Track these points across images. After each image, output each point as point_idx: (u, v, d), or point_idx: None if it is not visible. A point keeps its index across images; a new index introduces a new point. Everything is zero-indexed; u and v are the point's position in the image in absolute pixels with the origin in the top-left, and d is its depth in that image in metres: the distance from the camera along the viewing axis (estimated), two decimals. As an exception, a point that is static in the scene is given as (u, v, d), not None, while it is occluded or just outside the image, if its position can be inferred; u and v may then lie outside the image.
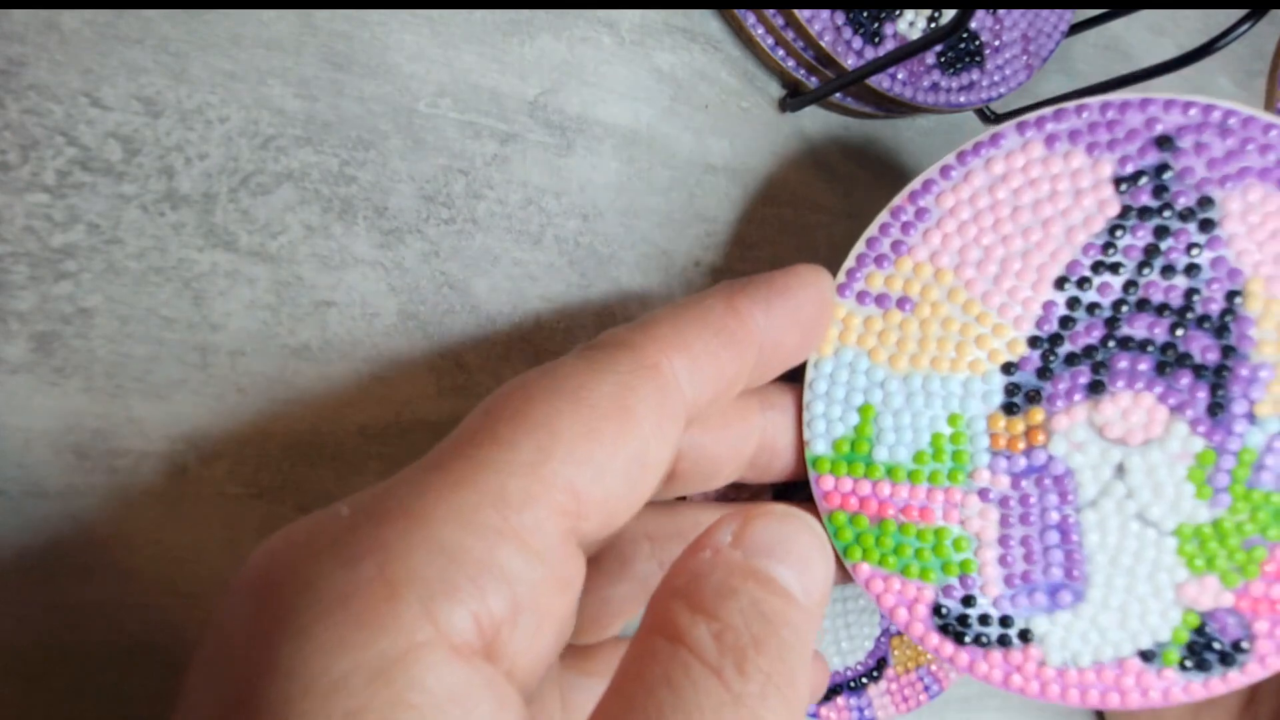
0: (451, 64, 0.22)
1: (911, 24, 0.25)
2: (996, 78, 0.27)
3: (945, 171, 0.18)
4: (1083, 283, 0.18)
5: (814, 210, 0.27)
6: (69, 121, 0.18)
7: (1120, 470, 0.18)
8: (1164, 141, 0.18)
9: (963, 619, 0.19)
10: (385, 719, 0.10)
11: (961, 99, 0.26)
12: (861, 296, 0.18)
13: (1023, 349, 0.18)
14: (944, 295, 0.18)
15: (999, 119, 0.29)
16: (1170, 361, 0.18)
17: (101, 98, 0.19)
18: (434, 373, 0.21)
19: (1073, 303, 0.18)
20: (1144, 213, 0.18)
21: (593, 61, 0.24)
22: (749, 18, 0.24)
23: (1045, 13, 0.27)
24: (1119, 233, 0.18)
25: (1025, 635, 0.18)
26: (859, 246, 0.18)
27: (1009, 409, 0.18)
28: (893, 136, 0.28)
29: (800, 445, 0.18)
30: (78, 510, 0.18)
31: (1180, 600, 0.18)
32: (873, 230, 0.18)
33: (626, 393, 0.13)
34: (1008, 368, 0.18)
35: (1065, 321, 0.18)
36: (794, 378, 0.19)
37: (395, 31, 0.21)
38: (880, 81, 0.24)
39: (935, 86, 0.26)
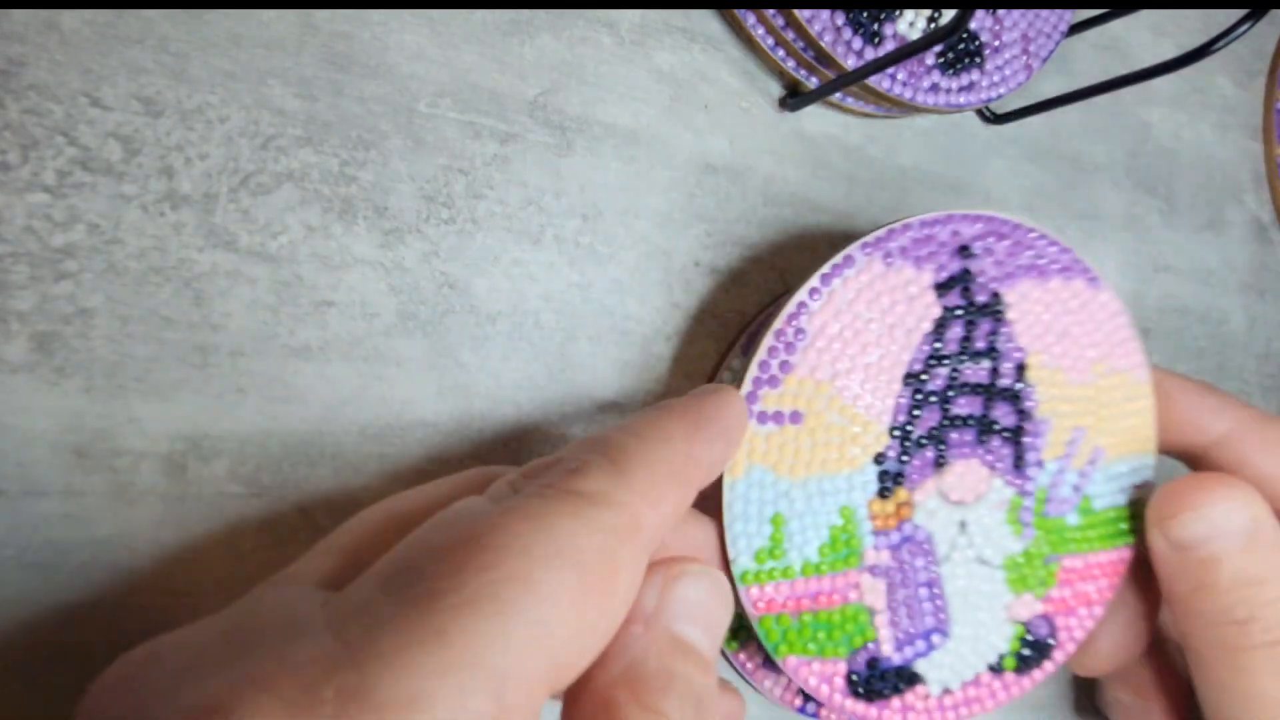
0: (451, 64, 0.22)
1: (911, 24, 0.25)
2: (996, 78, 0.27)
3: (813, 294, 0.21)
4: (922, 375, 0.21)
5: (814, 210, 0.27)
6: (69, 121, 0.18)
7: (962, 526, 0.22)
8: (964, 250, 0.21)
9: (869, 680, 0.22)
10: None
11: (961, 99, 0.26)
12: (761, 417, 0.20)
13: (886, 440, 0.21)
14: (825, 404, 0.21)
15: (999, 120, 0.29)
16: (985, 429, 0.22)
17: (102, 98, 0.19)
18: (434, 373, 0.21)
19: (916, 394, 0.21)
20: (956, 311, 0.21)
21: (593, 61, 0.24)
22: (749, 18, 0.24)
23: (1045, 13, 0.27)
24: (942, 330, 0.21)
25: (912, 679, 0.22)
26: (753, 370, 0.20)
27: (882, 493, 0.21)
28: (893, 136, 0.28)
29: (721, 558, 0.20)
30: (78, 510, 0.18)
31: (1010, 617, 0.22)
32: (763, 354, 0.20)
33: (614, 556, 0.14)
34: (878, 458, 0.21)
35: (913, 411, 0.21)
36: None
37: (395, 31, 0.21)
38: (880, 81, 0.24)
39: (935, 87, 0.26)
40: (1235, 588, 0.20)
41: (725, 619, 0.16)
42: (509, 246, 0.22)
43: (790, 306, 0.21)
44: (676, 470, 0.16)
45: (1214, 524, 0.20)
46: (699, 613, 0.15)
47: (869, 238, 0.21)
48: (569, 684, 0.13)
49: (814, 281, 0.21)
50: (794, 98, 0.26)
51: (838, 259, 0.21)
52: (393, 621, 0.11)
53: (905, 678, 0.23)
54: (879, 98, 0.25)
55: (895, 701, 0.22)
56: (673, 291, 0.24)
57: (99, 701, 0.12)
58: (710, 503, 0.20)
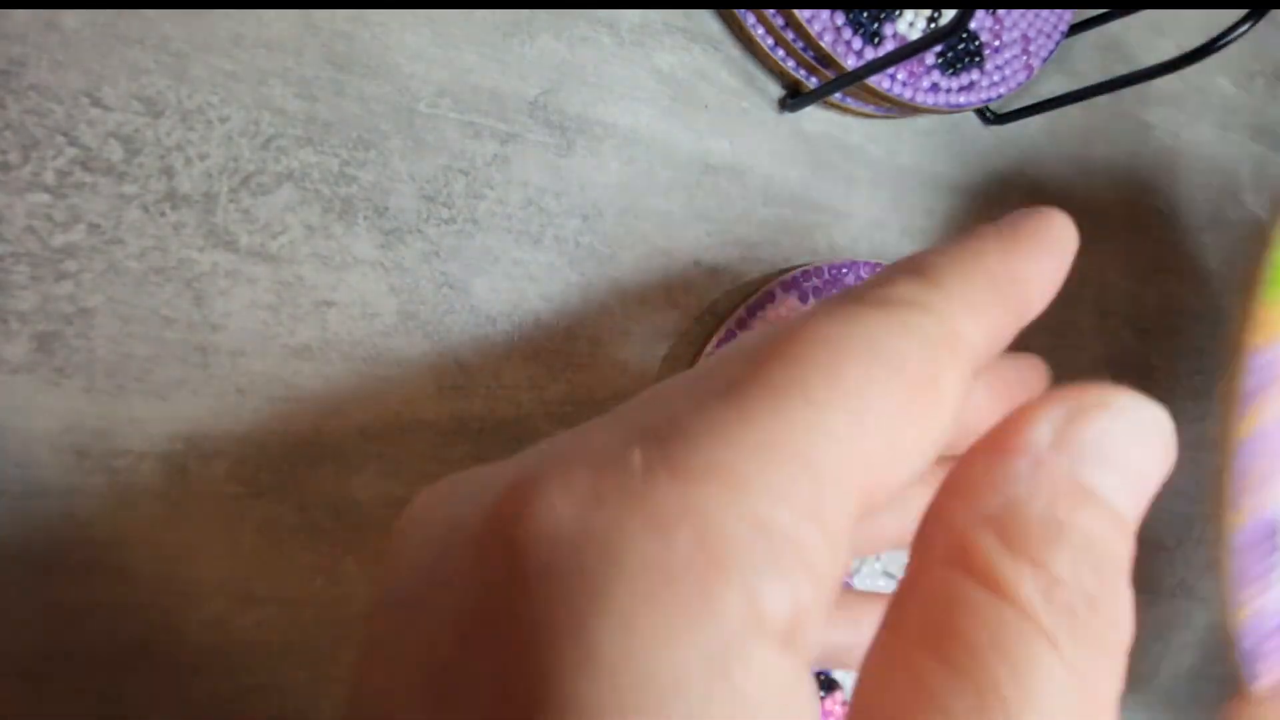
0: (451, 64, 0.22)
1: (911, 24, 0.25)
2: (996, 78, 0.27)
3: (741, 323, 0.22)
4: None
5: (814, 210, 0.27)
6: (70, 121, 0.18)
7: None
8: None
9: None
10: (726, 718, 0.09)
11: (961, 99, 0.26)
12: None
13: None
14: None
15: (999, 120, 0.29)
16: None
17: (102, 98, 0.19)
18: (434, 373, 0.21)
19: None
20: None
21: (593, 61, 0.24)
22: (749, 18, 0.24)
23: (1045, 13, 0.27)
24: None
25: (830, 684, 0.24)
26: None
27: None
28: (893, 136, 0.28)
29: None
30: (78, 510, 0.18)
31: None
32: None
33: (938, 366, 0.11)
34: None
35: None
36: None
37: (395, 31, 0.21)
38: (880, 81, 0.24)
39: (935, 86, 0.26)
40: None
41: (1157, 472, 0.12)
42: (509, 246, 0.22)
43: (720, 332, 0.22)
44: (996, 282, 0.13)
45: None
46: (1119, 458, 0.11)
47: (786, 276, 0.23)
48: (878, 505, 0.11)
49: (740, 312, 0.22)
50: (794, 98, 0.26)
51: (760, 294, 0.23)
52: (691, 403, 0.10)
53: (824, 684, 0.24)
54: (879, 98, 0.25)
55: (826, 701, 0.24)
56: (673, 291, 0.24)
57: (424, 504, 0.11)
58: None
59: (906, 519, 0.14)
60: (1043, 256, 0.14)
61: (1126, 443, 0.11)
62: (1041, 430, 0.11)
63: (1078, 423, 0.11)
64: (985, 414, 0.15)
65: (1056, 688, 0.10)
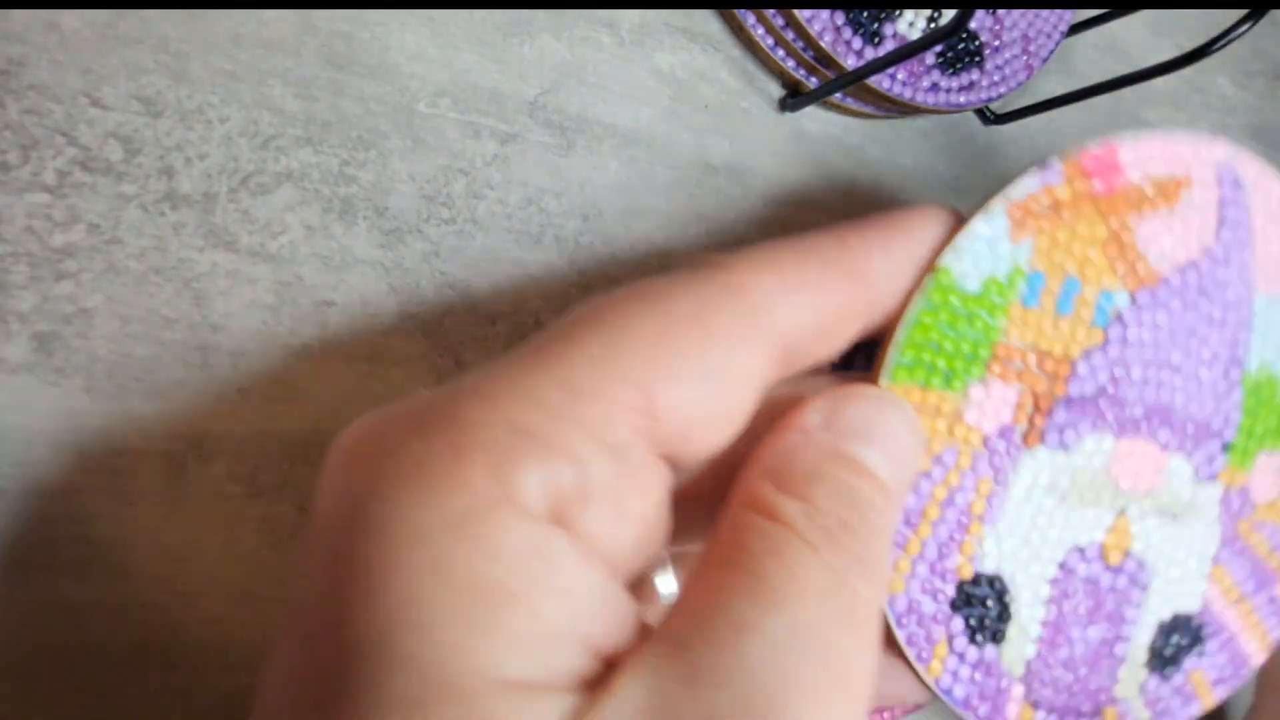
0: (451, 64, 0.22)
1: (911, 24, 0.25)
2: (996, 78, 0.27)
3: None
4: None
5: (814, 210, 0.27)
6: (69, 121, 0.18)
7: None
8: None
9: None
10: (469, 566, 0.10)
11: (961, 99, 0.26)
12: None
13: None
14: None
15: (999, 120, 0.29)
16: None
17: (102, 98, 0.19)
18: (434, 373, 0.21)
19: None
20: None
21: (593, 61, 0.24)
22: (749, 18, 0.24)
23: (1045, 13, 0.27)
24: None
25: None
26: None
27: None
28: (893, 136, 0.28)
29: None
30: (77, 510, 0.18)
31: None
32: None
33: (707, 308, 0.13)
34: None
35: None
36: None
37: (395, 31, 0.21)
38: (880, 81, 0.24)
39: (935, 87, 0.26)
40: None
41: (912, 449, 0.14)
42: (509, 246, 0.22)
43: None
44: (812, 250, 0.14)
45: None
46: (876, 434, 0.14)
47: None
48: (688, 449, 0.13)
49: None
50: (794, 98, 0.26)
51: None
52: (496, 362, 0.13)
53: None
54: (879, 98, 0.25)
55: None
56: (673, 291, 0.24)
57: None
58: None
59: None
60: (895, 236, 0.15)
61: (879, 424, 0.14)
62: (813, 416, 0.14)
63: (840, 406, 0.14)
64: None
65: (814, 575, 0.12)
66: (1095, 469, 0.17)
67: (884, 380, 0.16)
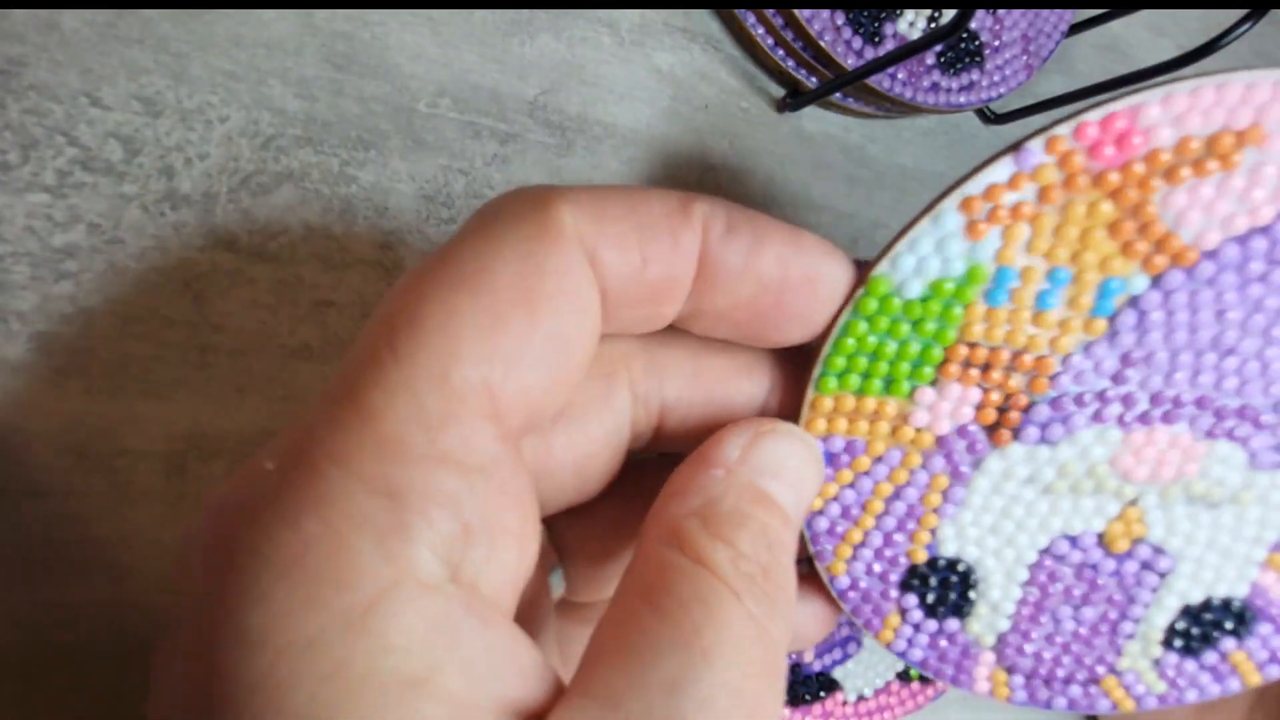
0: (451, 64, 0.22)
1: (911, 24, 0.25)
2: (996, 78, 0.27)
3: None
4: None
5: (814, 210, 0.27)
6: (69, 121, 0.18)
7: None
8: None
9: (793, 686, 0.24)
10: (371, 668, 0.10)
11: (961, 99, 0.26)
12: None
13: None
14: None
15: (999, 120, 0.29)
16: None
17: (102, 98, 0.19)
18: (434, 373, 0.21)
19: None
20: None
21: (593, 61, 0.24)
22: (749, 18, 0.24)
23: (1045, 13, 0.27)
24: None
25: (830, 684, 0.24)
26: None
27: None
28: (893, 136, 0.28)
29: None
30: (77, 510, 0.18)
31: None
32: None
33: (530, 269, 0.12)
34: None
35: None
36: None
37: (395, 31, 0.21)
38: (880, 81, 0.24)
39: (935, 86, 0.26)
40: None
41: (813, 485, 0.16)
42: (509, 246, 0.22)
43: None
44: (643, 206, 0.13)
45: None
46: (786, 472, 0.15)
47: None
48: (535, 423, 0.12)
49: None
50: (794, 98, 0.26)
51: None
52: (322, 405, 0.12)
53: (824, 684, 0.24)
54: (879, 98, 0.25)
55: (816, 707, 0.24)
56: (673, 291, 0.24)
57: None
58: None
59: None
60: (770, 237, 0.15)
61: (788, 459, 0.15)
62: (732, 448, 0.14)
63: (755, 444, 0.15)
64: (694, 409, 0.17)
65: (740, 628, 0.12)
66: (1092, 461, 0.17)
67: (810, 392, 0.16)
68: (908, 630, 0.19)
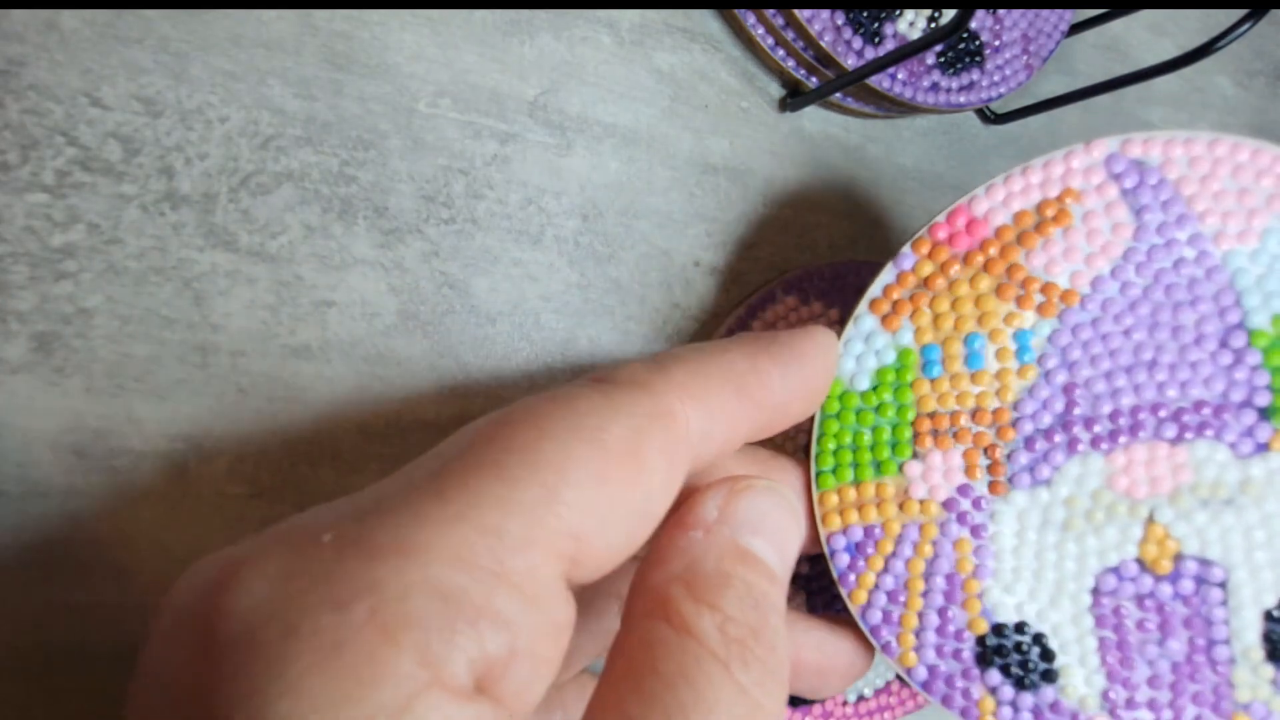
0: (451, 64, 0.22)
1: (911, 24, 0.25)
2: (996, 78, 0.27)
3: (741, 323, 0.23)
4: None
5: (814, 210, 0.27)
6: (69, 121, 0.18)
7: None
8: (860, 290, 0.22)
9: None
10: None
11: (961, 99, 0.26)
12: None
13: None
14: None
15: (999, 120, 0.29)
16: None
17: (101, 98, 0.19)
18: (434, 373, 0.21)
19: None
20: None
21: (593, 61, 0.24)
22: (749, 18, 0.24)
23: (1045, 13, 0.27)
24: None
25: None
26: None
27: None
28: (893, 136, 0.28)
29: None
30: (78, 510, 0.18)
31: None
32: None
33: (640, 438, 0.13)
34: None
35: None
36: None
37: (395, 31, 0.21)
38: (880, 81, 0.24)
39: (935, 86, 0.26)
40: None
41: (795, 538, 0.16)
42: (509, 246, 0.22)
43: (720, 332, 0.23)
44: (729, 376, 0.15)
45: None
46: (765, 526, 0.15)
47: (786, 276, 0.24)
48: (592, 580, 0.13)
49: (740, 312, 0.23)
50: (794, 98, 0.26)
51: (760, 295, 0.24)
52: (399, 488, 0.11)
53: None
54: (879, 98, 0.25)
55: (817, 707, 0.24)
56: (673, 291, 0.24)
57: (177, 586, 0.12)
58: None
59: None
60: (791, 364, 0.16)
61: (767, 515, 0.15)
62: (709, 508, 0.14)
63: (733, 501, 0.15)
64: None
65: (731, 705, 0.12)
66: (1091, 489, 0.18)
67: (814, 491, 0.18)
68: (1007, 711, 0.18)
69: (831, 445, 0.18)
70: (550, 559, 0.11)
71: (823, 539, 0.18)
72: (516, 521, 0.11)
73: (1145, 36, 0.33)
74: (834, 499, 0.18)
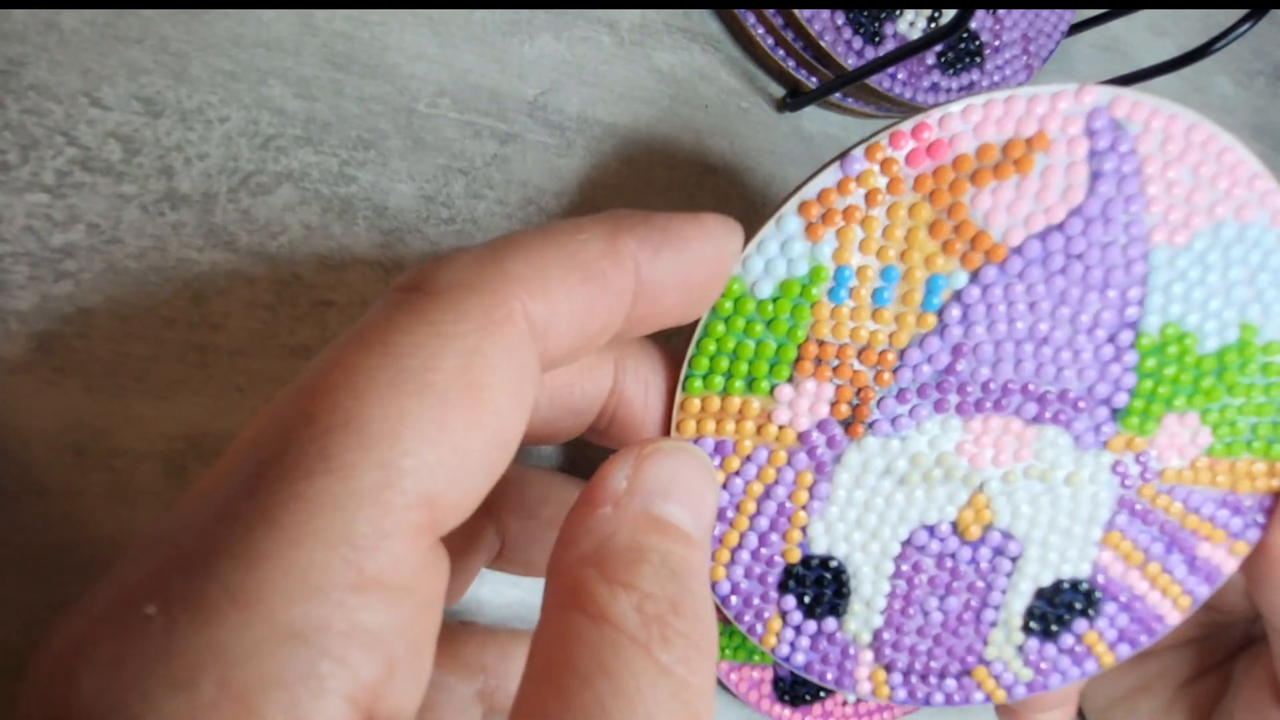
0: (451, 64, 0.22)
1: (911, 24, 0.25)
2: (996, 78, 0.27)
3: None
4: None
5: (814, 210, 0.27)
6: (69, 121, 0.18)
7: None
8: None
9: (793, 687, 0.24)
10: None
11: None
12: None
13: None
14: None
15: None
16: None
17: (101, 98, 0.19)
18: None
19: None
20: None
21: (593, 61, 0.24)
22: (749, 18, 0.24)
23: (1045, 13, 0.27)
24: None
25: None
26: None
27: None
28: (893, 136, 0.28)
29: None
30: (77, 510, 0.18)
31: None
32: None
33: (476, 362, 0.11)
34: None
35: None
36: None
37: (395, 31, 0.21)
38: (880, 81, 0.24)
39: (935, 86, 0.26)
40: None
41: (710, 497, 0.14)
42: (509, 246, 0.22)
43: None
44: (580, 258, 0.12)
45: None
46: (678, 489, 0.14)
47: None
48: (459, 516, 0.11)
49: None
50: (794, 98, 0.26)
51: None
52: (216, 512, 0.10)
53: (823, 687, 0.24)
54: (879, 98, 0.25)
55: (816, 707, 0.25)
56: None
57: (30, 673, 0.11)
58: None
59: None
60: (665, 245, 0.14)
61: (677, 476, 0.14)
62: (617, 479, 0.13)
63: (641, 468, 0.14)
64: (640, 401, 0.17)
65: (654, 690, 0.11)
66: (940, 451, 0.18)
67: (679, 393, 0.17)
68: (789, 633, 0.19)
69: (711, 348, 0.17)
70: (409, 538, 0.10)
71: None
72: (363, 517, 0.10)
73: (1145, 36, 0.33)
74: (696, 404, 0.17)
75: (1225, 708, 0.24)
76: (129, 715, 0.09)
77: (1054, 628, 0.19)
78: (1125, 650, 0.20)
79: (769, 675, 0.24)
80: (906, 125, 0.16)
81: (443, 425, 0.10)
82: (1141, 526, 0.19)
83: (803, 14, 0.23)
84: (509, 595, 0.22)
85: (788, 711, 0.25)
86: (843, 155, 0.16)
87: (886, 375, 0.17)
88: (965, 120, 0.16)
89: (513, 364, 0.11)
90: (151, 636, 0.09)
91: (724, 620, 0.19)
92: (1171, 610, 0.20)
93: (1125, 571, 0.19)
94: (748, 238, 0.16)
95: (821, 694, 0.25)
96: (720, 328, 0.17)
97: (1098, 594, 0.19)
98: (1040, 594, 0.19)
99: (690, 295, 0.14)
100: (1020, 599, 0.19)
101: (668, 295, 0.14)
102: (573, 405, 0.16)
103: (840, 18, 0.24)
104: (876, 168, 0.16)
